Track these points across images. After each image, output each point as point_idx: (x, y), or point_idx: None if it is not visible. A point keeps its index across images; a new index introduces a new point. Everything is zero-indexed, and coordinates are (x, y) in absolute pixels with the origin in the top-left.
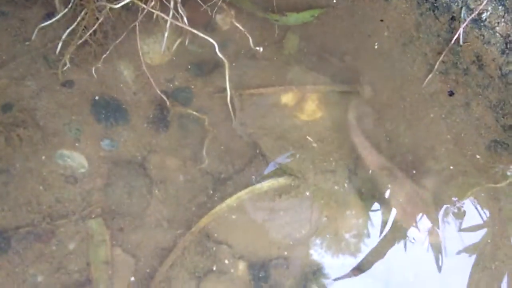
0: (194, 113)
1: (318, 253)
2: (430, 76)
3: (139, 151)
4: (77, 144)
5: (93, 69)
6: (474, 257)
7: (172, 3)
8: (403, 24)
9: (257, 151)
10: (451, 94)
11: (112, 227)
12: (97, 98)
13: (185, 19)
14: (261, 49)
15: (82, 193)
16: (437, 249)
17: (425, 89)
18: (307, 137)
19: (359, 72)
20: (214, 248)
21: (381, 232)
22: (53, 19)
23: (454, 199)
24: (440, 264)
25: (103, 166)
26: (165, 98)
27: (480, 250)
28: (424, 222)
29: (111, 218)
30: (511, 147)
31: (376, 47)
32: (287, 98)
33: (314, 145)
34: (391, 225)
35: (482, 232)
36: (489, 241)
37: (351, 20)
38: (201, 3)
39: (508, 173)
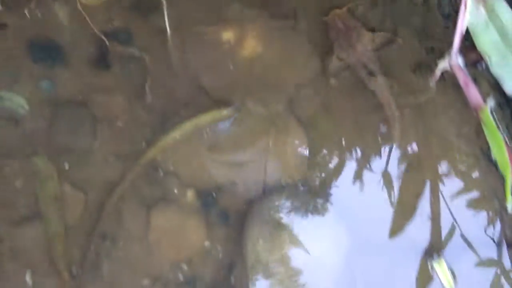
0: (135, 51)
1: (264, 176)
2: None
3: (81, 92)
4: (14, 86)
5: (26, 11)
6: (403, 169)
7: None
8: None
9: (200, 87)
10: None
11: (59, 164)
12: (33, 40)
13: None
14: None
15: (25, 134)
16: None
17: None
18: (249, 71)
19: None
20: (162, 179)
21: (321, 155)
22: None
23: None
24: (372, 176)
25: (45, 107)
26: (104, 38)
27: (408, 162)
28: None
29: (57, 155)
30: (433, 67)
31: None
32: (228, 36)
33: (256, 78)
34: (330, 148)
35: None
36: (416, 154)
37: None
38: None
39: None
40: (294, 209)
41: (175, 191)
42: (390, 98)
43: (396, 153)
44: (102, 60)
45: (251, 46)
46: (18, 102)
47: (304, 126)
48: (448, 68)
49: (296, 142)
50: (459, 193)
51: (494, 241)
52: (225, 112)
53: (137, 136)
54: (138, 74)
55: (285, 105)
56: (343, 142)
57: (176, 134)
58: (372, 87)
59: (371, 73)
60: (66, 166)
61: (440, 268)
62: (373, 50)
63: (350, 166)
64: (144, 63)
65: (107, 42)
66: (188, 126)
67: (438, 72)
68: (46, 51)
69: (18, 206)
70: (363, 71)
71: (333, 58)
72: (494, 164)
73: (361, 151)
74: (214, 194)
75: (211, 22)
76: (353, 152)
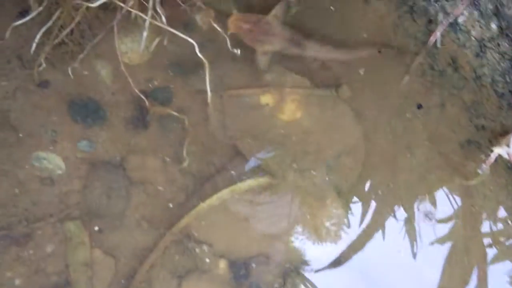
0: (174, 113)
1: (298, 248)
2: (407, 77)
3: (118, 152)
4: (53, 146)
5: (70, 69)
6: (447, 250)
7: (150, 2)
8: (381, 26)
9: (237, 151)
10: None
11: (91, 228)
12: (74, 98)
13: (163, 18)
14: (239, 52)
15: (60, 195)
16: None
17: (402, 89)
18: (287, 136)
19: (337, 73)
20: (195, 248)
21: (360, 226)
22: (27, 18)
23: (427, 194)
24: (415, 255)
25: (81, 167)
26: (143, 97)
27: (452, 243)
28: None
29: (90, 219)
30: (483, 146)
31: None
32: (267, 99)
33: (294, 144)
34: (370, 218)
35: (455, 226)
36: (461, 235)
37: (330, 20)
38: (180, 2)
39: (480, 172)
40: (330, 284)
41: (207, 261)
42: (331, 50)
43: (440, 232)
44: (140, 120)
45: (291, 110)
46: (55, 163)
47: (344, 197)
48: (505, 155)
49: (334, 213)
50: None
51: None
52: (262, 180)
53: (171, 201)
54: (176, 135)
55: (324, 174)
56: (383, 216)
57: (211, 201)
58: (310, 53)
59: (299, 44)
60: (98, 230)
61: None
62: (284, 23)
63: (390, 241)
64: (183, 124)
65: (146, 102)
66: (224, 193)
67: (492, 157)
68: (86, 110)
69: (48, 273)
70: (292, 48)
71: (258, 56)
72: None
73: (402, 225)
74: (247, 266)
75: (252, 85)
76: (395, 225)
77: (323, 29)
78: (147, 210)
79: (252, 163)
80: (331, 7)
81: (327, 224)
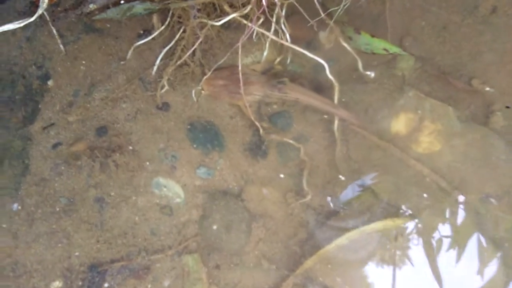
0: (290, 141)
1: None
2: None
3: (236, 181)
4: (173, 172)
5: (193, 92)
6: None
7: (275, 18)
8: None
9: (364, 187)
10: None
11: (208, 264)
12: (193, 122)
13: (287, 36)
14: (372, 74)
15: (178, 226)
16: None
17: None
18: (425, 175)
19: (490, 98)
20: None
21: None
22: (149, 37)
23: None
24: None
25: (199, 196)
26: (258, 125)
27: None
28: None
29: (207, 253)
30: None
31: None
32: (399, 127)
33: (432, 183)
34: None
35: None
36: None
37: (480, 37)
38: (308, 19)
39: None
40: None
41: None
42: (311, 93)
43: None
44: (259, 147)
45: (428, 142)
46: (174, 190)
47: (494, 245)
48: None
49: (485, 260)
50: None
51: None
52: (398, 221)
53: (292, 238)
54: (296, 165)
55: (469, 217)
56: None
57: (340, 241)
58: (293, 95)
59: (279, 88)
60: (216, 266)
61: None
62: (261, 72)
63: None
64: (301, 153)
65: (261, 130)
66: (354, 234)
67: None
68: (206, 135)
69: None
70: (274, 93)
71: (242, 109)
72: None
73: None
74: None
75: (382, 111)
76: None
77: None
78: (267, 247)
79: (383, 201)
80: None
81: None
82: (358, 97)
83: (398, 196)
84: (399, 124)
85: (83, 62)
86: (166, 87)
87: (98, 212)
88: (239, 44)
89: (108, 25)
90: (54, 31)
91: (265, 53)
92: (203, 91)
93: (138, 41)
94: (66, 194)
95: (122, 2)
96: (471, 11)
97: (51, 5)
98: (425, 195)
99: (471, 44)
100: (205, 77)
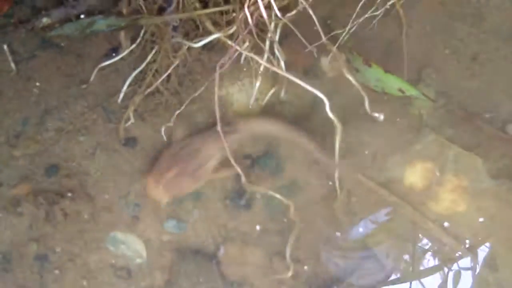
0: (276, 195)
1: None
2: None
3: (212, 237)
4: (134, 224)
5: (163, 128)
6: None
7: (267, 43)
8: None
9: (368, 251)
10: None
11: None
12: None
13: (282, 63)
14: (382, 116)
15: None
16: None
17: None
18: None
19: None
20: None
21: None
22: (117, 57)
23: None
24: None
25: (166, 255)
26: (240, 172)
27: None
28: None
29: None
30: None
31: None
32: (413, 178)
33: (452, 253)
34: None
35: None
36: None
37: None
38: (306, 43)
39: None
40: None
41: None
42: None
43: None
44: (241, 196)
45: (450, 200)
46: (134, 248)
47: None
48: None
49: None
50: None
51: None
52: None
53: None
54: (285, 218)
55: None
56: None
57: None
58: (251, 131)
59: (226, 132)
60: None
61: None
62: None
63: None
64: (291, 212)
65: (242, 177)
66: None
67: None
68: None
69: None
70: (229, 141)
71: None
72: None
73: None
74: None
75: (393, 156)
76: None
77: None
78: None
79: (387, 269)
80: None
81: None
82: (364, 138)
83: (407, 265)
84: (415, 176)
85: (37, 84)
86: (132, 120)
87: (38, 274)
88: (217, 72)
89: (69, 41)
90: (5, 47)
91: (257, 83)
92: (165, 202)
93: (103, 61)
94: (1, 248)
95: (82, 16)
96: (507, 39)
97: (3, 16)
98: (445, 269)
99: (506, 79)
100: (147, 184)
